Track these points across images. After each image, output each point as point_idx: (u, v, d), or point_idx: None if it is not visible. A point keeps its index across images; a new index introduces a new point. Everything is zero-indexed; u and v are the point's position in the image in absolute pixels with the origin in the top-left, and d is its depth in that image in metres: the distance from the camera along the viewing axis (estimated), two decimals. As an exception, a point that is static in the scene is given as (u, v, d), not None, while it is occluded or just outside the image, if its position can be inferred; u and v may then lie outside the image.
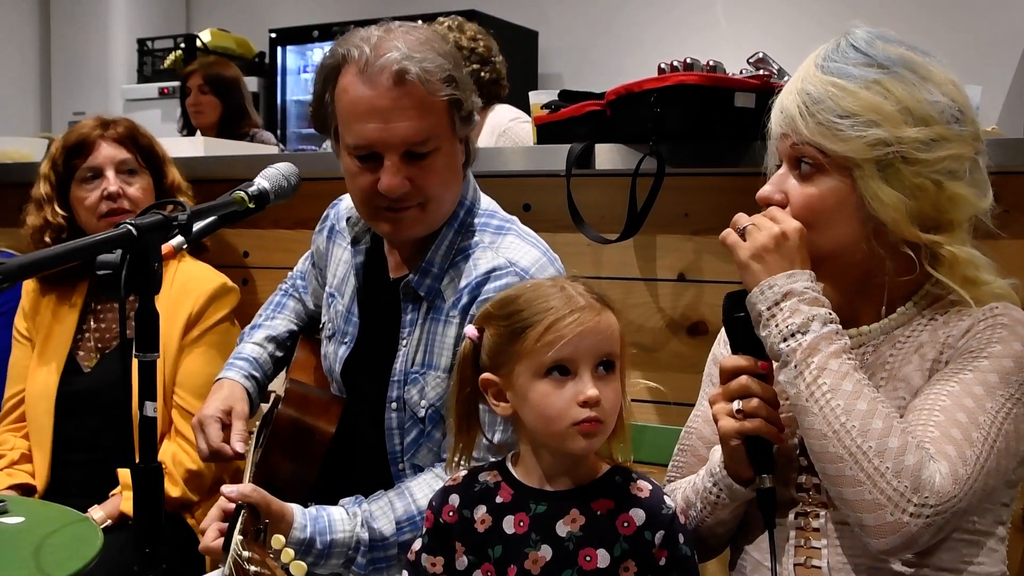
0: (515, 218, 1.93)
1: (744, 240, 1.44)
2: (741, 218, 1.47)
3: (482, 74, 3.71)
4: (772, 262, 1.42)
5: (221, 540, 1.60)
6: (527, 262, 1.79)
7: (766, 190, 1.49)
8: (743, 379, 1.44)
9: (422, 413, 1.82)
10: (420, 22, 1.94)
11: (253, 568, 1.36)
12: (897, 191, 1.40)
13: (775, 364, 1.43)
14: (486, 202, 1.93)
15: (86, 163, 2.44)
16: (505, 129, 3.68)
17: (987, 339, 1.40)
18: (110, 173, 2.42)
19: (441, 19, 3.84)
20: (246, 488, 1.60)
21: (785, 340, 1.39)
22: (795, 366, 1.38)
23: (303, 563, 1.34)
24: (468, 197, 1.88)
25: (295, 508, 1.68)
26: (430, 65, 1.73)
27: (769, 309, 1.41)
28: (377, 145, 1.74)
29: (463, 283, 1.79)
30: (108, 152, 2.43)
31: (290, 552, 1.33)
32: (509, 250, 1.81)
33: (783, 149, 1.47)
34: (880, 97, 1.40)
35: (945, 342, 1.43)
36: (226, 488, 1.62)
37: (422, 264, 1.83)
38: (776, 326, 1.40)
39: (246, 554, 1.40)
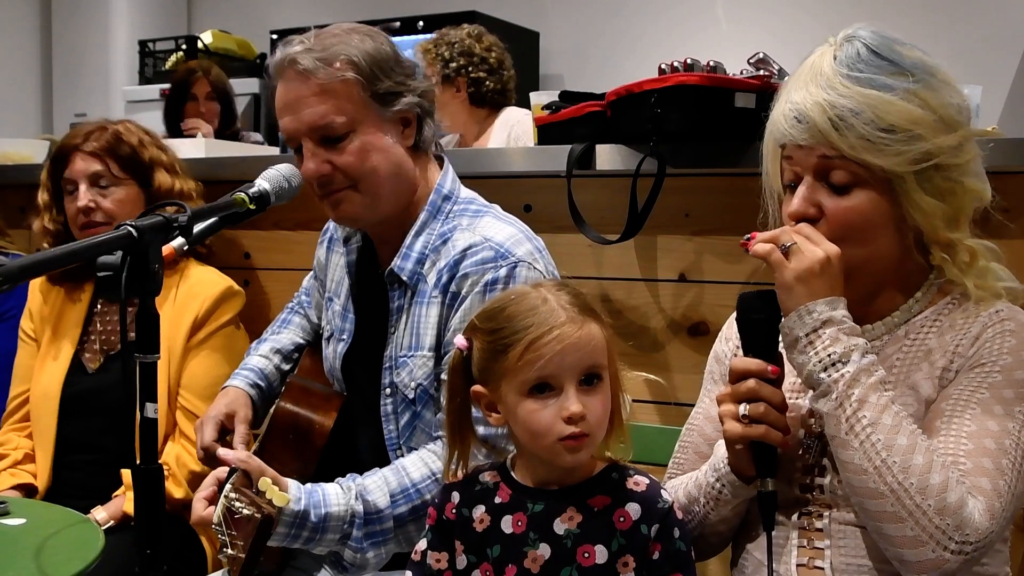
0: (495, 205, 1.96)
1: (788, 260, 1.40)
2: (784, 235, 1.42)
3: (487, 83, 3.92)
4: (816, 286, 1.38)
5: (211, 509, 1.62)
6: (502, 237, 1.82)
7: (799, 206, 1.43)
8: (751, 383, 1.43)
9: (411, 395, 1.84)
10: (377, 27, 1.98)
11: (238, 504, 1.37)
12: (933, 197, 1.40)
13: (811, 391, 1.41)
14: (466, 192, 1.97)
15: (64, 175, 2.44)
16: (519, 120, 3.83)
17: (997, 350, 1.40)
18: (83, 186, 2.41)
19: (464, 25, 4.00)
20: (242, 454, 1.63)
21: (826, 370, 1.37)
22: (835, 397, 1.36)
23: (285, 494, 1.34)
24: (446, 186, 1.92)
25: (289, 482, 1.68)
26: (327, 53, 1.80)
27: (807, 336, 1.38)
28: (293, 136, 1.83)
29: (443, 263, 1.83)
30: (80, 166, 2.41)
31: (274, 488, 1.34)
32: (485, 228, 1.85)
33: (805, 161, 1.43)
34: (920, 109, 1.38)
35: (955, 351, 1.42)
36: (223, 451, 1.62)
37: (403, 250, 1.87)
38: (815, 354, 1.38)
39: (234, 495, 1.41)
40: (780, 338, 1.44)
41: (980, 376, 1.40)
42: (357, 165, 1.82)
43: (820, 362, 1.38)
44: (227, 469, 1.70)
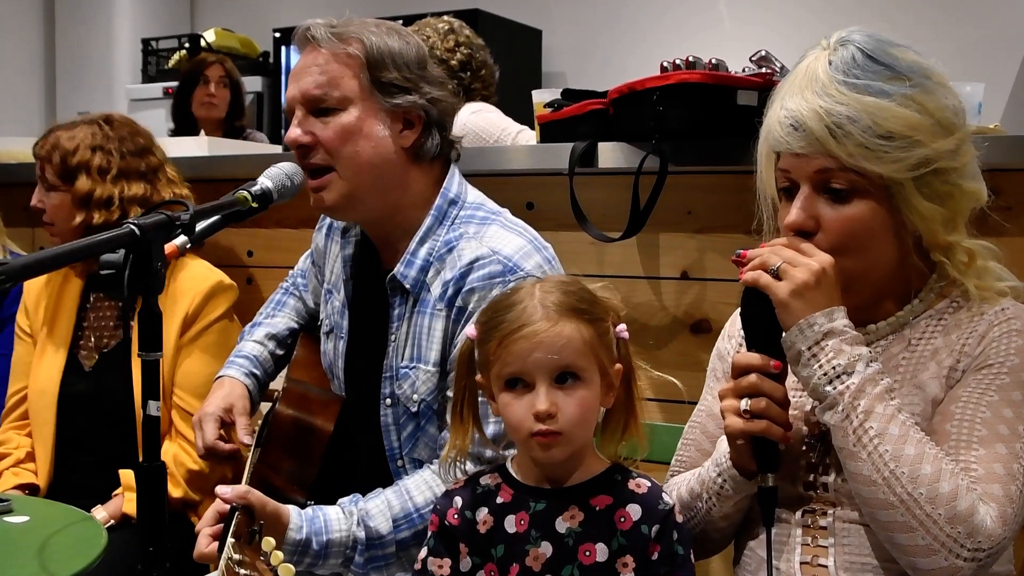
0: (504, 210, 1.93)
1: (779, 279, 1.39)
2: (770, 257, 1.41)
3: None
4: (813, 299, 1.37)
5: (215, 546, 1.61)
6: (510, 250, 1.78)
7: (797, 217, 1.41)
8: (753, 378, 1.42)
9: (415, 408, 1.82)
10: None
11: (243, 571, 1.37)
12: (932, 202, 1.39)
13: (818, 404, 1.40)
14: (474, 195, 1.93)
15: None
16: (463, 124, 3.68)
17: (1004, 350, 1.40)
18: (37, 186, 2.47)
19: (444, 17, 3.83)
20: (241, 489, 1.60)
21: (831, 382, 1.36)
22: (842, 409, 1.36)
23: (291, 566, 1.35)
24: (452, 190, 1.88)
25: (291, 509, 1.68)
26: (343, 31, 1.81)
27: (810, 349, 1.38)
28: (290, 103, 1.84)
29: (448, 275, 1.80)
30: (37, 168, 2.46)
31: (279, 555, 1.34)
32: (493, 239, 1.81)
33: (802, 170, 1.41)
34: (917, 114, 1.37)
35: (962, 350, 1.42)
36: (221, 489, 1.61)
37: (406, 256, 1.84)
38: (819, 367, 1.37)
39: (237, 557, 1.41)
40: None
41: (988, 378, 1.39)
42: (338, 143, 1.80)
43: (825, 375, 1.37)
44: (228, 492, 1.67)
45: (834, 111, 1.36)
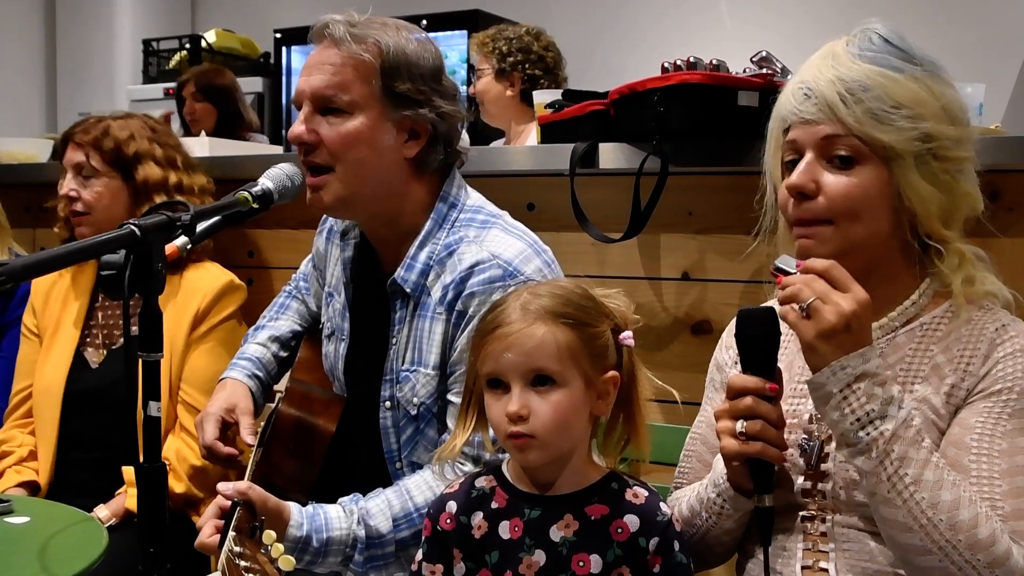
0: (504, 212, 1.92)
1: (809, 319, 1.35)
2: (802, 291, 1.36)
3: (542, 81, 3.97)
4: (841, 343, 1.34)
5: (217, 536, 1.61)
6: (510, 254, 1.78)
7: (798, 179, 1.43)
8: (749, 400, 1.41)
9: (414, 411, 1.82)
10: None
11: (244, 563, 1.38)
12: (931, 185, 1.40)
13: (847, 448, 1.37)
14: (474, 198, 1.91)
15: (62, 162, 2.49)
16: None
17: (1012, 373, 1.39)
18: (68, 175, 2.46)
19: (522, 24, 4.11)
20: (242, 485, 1.60)
21: (863, 428, 1.34)
22: (875, 455, 1.33)
23: (291, 558, 1.36)
24: (451, 193, 1.87)
25: (292, 506, 1.68)
26: (362, 32, 1.78)
27: (841, 391, 1.34)
28: (299, 96, 1.81)
29: (448, 279, 1.79)
30: (69, 155, 2.46)
31: (280, 547, 1.35)
32: (493, 243, 1.80)
33: (809, 138, 1.43)
34: (926, 92, 1.41)
35: (966, 369, 1.41)
36: (222, 485, 1.62)
37: (407, 261, 1.83)
38: (852, 411, 1.34)
39: (238, 549, 1.41)
40: (779, 356, 1.44)
41: (1000, 404, 1.39)
42: (341, 148, 1.78)
43: (857, 420, 1.34)
44: (228, 489, 1.67)
45: (847, 78, 1.40)
